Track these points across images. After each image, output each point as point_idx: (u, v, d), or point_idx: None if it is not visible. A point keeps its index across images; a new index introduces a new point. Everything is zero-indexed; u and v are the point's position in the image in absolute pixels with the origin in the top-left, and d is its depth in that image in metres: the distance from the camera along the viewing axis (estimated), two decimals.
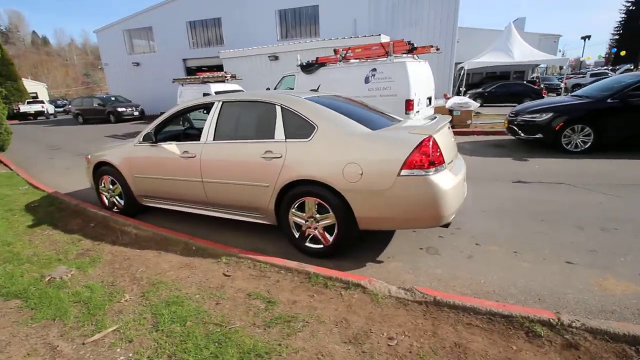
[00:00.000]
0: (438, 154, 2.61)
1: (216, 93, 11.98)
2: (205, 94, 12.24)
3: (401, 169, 2.55)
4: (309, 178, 2.82)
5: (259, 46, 16.66)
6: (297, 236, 3.08)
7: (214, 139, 3.37)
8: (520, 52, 23.24)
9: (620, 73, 32.83)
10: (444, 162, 2.66)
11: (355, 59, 8.20)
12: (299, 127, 2.96)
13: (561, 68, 44.07)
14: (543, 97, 18.79)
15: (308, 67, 8.63)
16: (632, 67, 40.45)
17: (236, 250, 3.04)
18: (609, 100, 6.23)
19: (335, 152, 2.75)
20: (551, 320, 1.98)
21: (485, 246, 3.17)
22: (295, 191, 2.94)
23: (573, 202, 4.14)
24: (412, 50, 7.55)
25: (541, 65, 27.28)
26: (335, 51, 8.35)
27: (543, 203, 4.16)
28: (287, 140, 2.97)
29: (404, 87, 7.29)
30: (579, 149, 6.46)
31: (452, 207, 2.65)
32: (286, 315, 2.18)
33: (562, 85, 25.27)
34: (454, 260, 2.96)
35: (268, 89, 9.57)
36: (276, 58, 16.26)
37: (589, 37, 40.35)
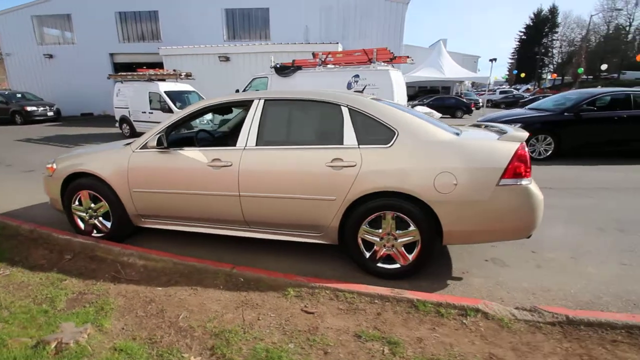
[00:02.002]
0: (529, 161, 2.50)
1: (166, 93, 10.71)
2: (151, 94, 10.87)
3: (501, 178, 2.37)
4: (392, 189, 2.47)
5: (208, 45, 15.47)
6: (367, 256, 2.68)
7: (256, 144, 2.79)
8: (449, 69, 25.77)
9: (522, 91, 38.71)
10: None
11: (335, 64, 8.01)
12: (374, 132, 2.59)
13: (473, 84, 50.20)
14: (472, 110, 21.11)
15: (283, 70, 8.18)
16: (531, 87, 48.02)
17: (303, 278, 2.51)
18: (565, 114, 7.06)
19: (424, 160, 2.45)
20: None
21: (542, 253, 3.16)
22: (370, 205, 2.55)
23: (570, 205, 4.45)
24: (392, 59, 7.64)
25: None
26: (314, 55, 8.06)
27: (547, 207, 4.39)
28: (360, 146, 2.57)
29: (387, 95, 7.30)
30: (542, 157, 7.17)
31: (541, 216, 2.56)
32: (425, 359, 1.79)
33: (480, 100, 28.82)
34: (526, 271, 2.87)
35: (237, 90, 8.81)
36: (227, 59, 15.31)
37: (495, 59, 46.91)
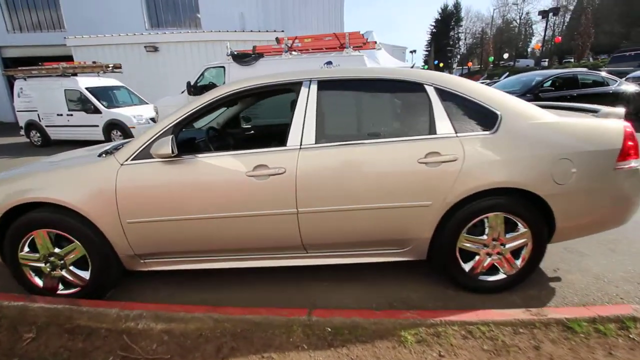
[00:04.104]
0: None
1: (88, 89, 8.86)
2: (68, 91, 8.90)
3: (617, 160, 2.06)
4: (504, 185, 2.00)
5: (130, 33, 13.29)
6: (467, 270, 2.18)
7: (316, 142, 2.06)
8: (384, 60, 26.65)
9: None
10: None
11: (301, 50, 7.31)
12: (473, 116, 2.08)
13: None
14: None
15: (243, 58, 7.22)
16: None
17: (412, 314, 1.90)
18: (527, 95, 7.46)
19: (538, 147, 2.02)
20: None
21: (602, 235, 3.00)
22: (474, 206, 2.05)
23: None
24: (364, 44, 7.23)
25: None
26: (279, 40, 7.24)
27: None
28: (458, 134, 2.04)
29: None
30: None
31: None
32: None
33: None
34: (607, 257, 2.69)
35: (189, 82, 7.54)
36: (155, 49, 13.36)
37: (415, 51, 50.58)
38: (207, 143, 2.55)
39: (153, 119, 8.70)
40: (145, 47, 13.24)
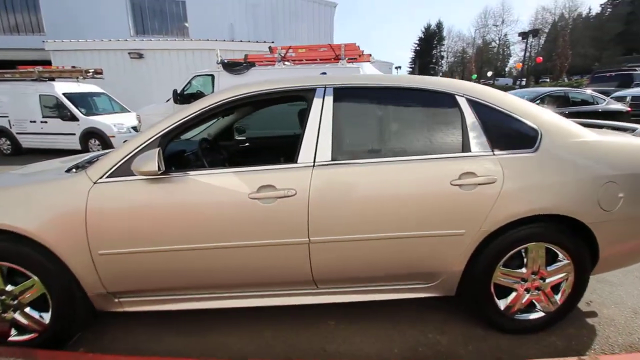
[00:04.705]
0: None
1: (65, 95, 8.32)
2: (43, 97, 8.34)
3: None
4: (548, 212, 1.74)
5: (114, 39, 12.81)
6: (502, 308, 1.90)
7: (332, 159, 1.76)
8: (371, 73, 26.88)
9: None
10: None
11: (295, 60, 7.08)
12: (510, 132, 1.83)
13: None
14: None
15: (234, 66, 6.93)
16: None
17: None
18: None
19: (583, 169, 1.78)
20: None
21: None
22: (513, 235, 1.78)
23: None
24: (360, 55, 7.08)
25: None
26: (272, 49, 6.98)
27: None
28: (496, 153, 1.78)
29: None
30: None
31: None
32: None
33: None
34: (639, 287, 2.47)
35: (175, 90, 7.15)
36: (140, 56, 12.90)
37: (399, 67, 51.88)
38: (200, 157, 2.20)
39: (135, 128, 8.23)
40: (129, 53, 12.77)
